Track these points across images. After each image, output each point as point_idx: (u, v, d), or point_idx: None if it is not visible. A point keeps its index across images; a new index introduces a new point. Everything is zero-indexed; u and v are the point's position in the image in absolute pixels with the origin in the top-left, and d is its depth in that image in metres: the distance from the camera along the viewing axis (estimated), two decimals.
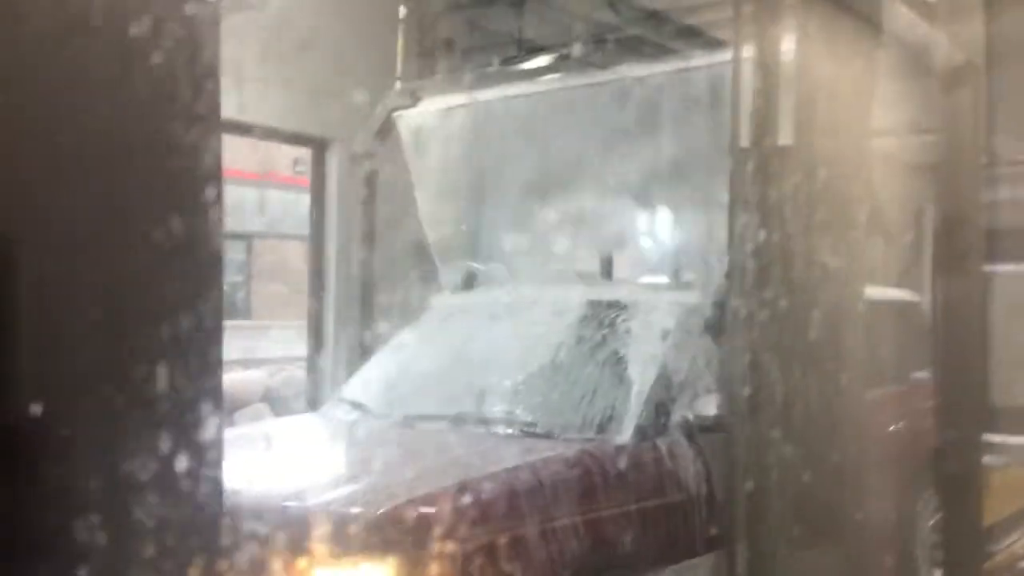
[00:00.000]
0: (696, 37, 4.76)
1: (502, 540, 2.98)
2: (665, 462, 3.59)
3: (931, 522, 4.99)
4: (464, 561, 2.89)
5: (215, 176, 1.53)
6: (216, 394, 1.51)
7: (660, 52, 5.16)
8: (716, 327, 3.72)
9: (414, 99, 5.57)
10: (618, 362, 3.86)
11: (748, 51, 3.02)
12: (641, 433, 3.60)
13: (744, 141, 3.02)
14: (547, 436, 3.61)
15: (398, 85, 5.83)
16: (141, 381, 1.40)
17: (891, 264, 5.79)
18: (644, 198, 4.65)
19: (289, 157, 10.93)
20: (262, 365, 8.07)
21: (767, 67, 2.99)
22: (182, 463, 1.44)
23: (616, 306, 4.08)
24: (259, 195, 14.94)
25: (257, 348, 9.08)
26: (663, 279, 4.47)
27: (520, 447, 3.54)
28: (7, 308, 1.31)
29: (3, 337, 1.30)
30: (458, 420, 3.80)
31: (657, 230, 4.74)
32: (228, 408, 6.69)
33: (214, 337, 1.53)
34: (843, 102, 3.33)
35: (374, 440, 3.92)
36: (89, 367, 1.37)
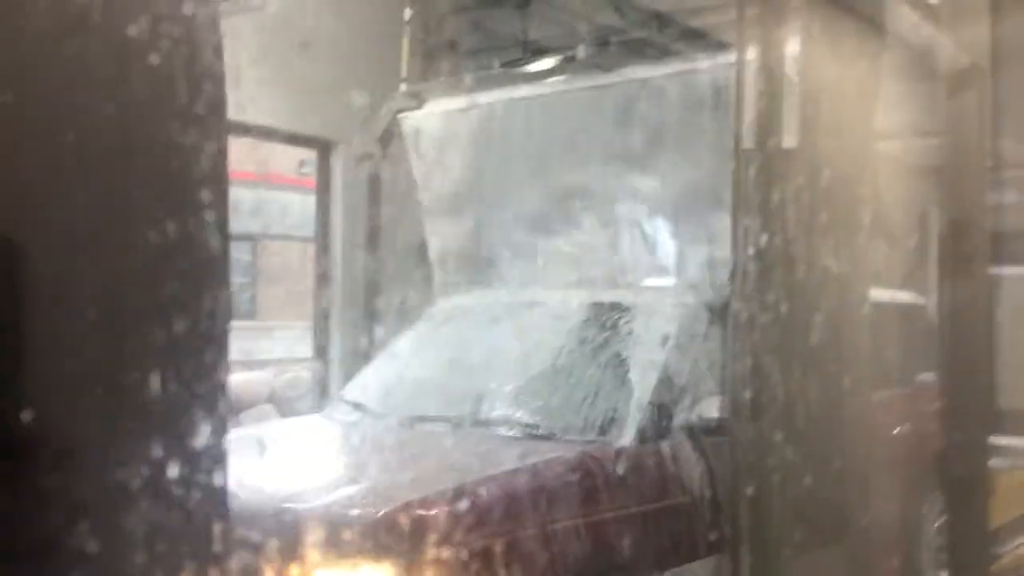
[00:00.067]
0: (700, 39, 4.75)
1: (503, 543, 2.98)
2: (667, 465, 3.59)
3: (936, 524, 4.97)
4: (465, 564, 2.88)
5: (219, 177, 1.53)
6: (221, 396, 1.51)
7: (665, 55, 5.15)
8: (720, 329, 3.72)
9: (419, 101, 5.58)
10: (620, 364, 3.86)
11: (752, 53, 3.02)
12: (643, 435, 3.59)
13: (748, 143, 3.01)
14: (549, 438, 3.61)
15: (403, 87, 5.83)
16: (140, 384, 1.40)
17: (896, 267, 5.77)
18: (649, 200, 4.64)
19: (294, 159, 10.93)
20: (268, 366, 8.07)
21: (771, 69, 2.98)
22: (182, 466, 1.43)
23: (618, 308, 4.08)
24: (265, 196, 14.95)
25: (262, 349, 9.09)
26: (668, 281, 4.46)
27: (522, 449, 3.54)
28: (7, 309, 1.31)
29: (3, 338, 1.30)
30: (459, 422, 3.79)
31: (661, 232, 4.73)
32: (234, 409, 6.70)
33: (219, 339, 1.53)
34: (847, 105, 3.32)
35: (375, 442, 3.92)
36: (88, 369, 1.37)
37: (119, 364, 1.40)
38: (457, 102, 5.41)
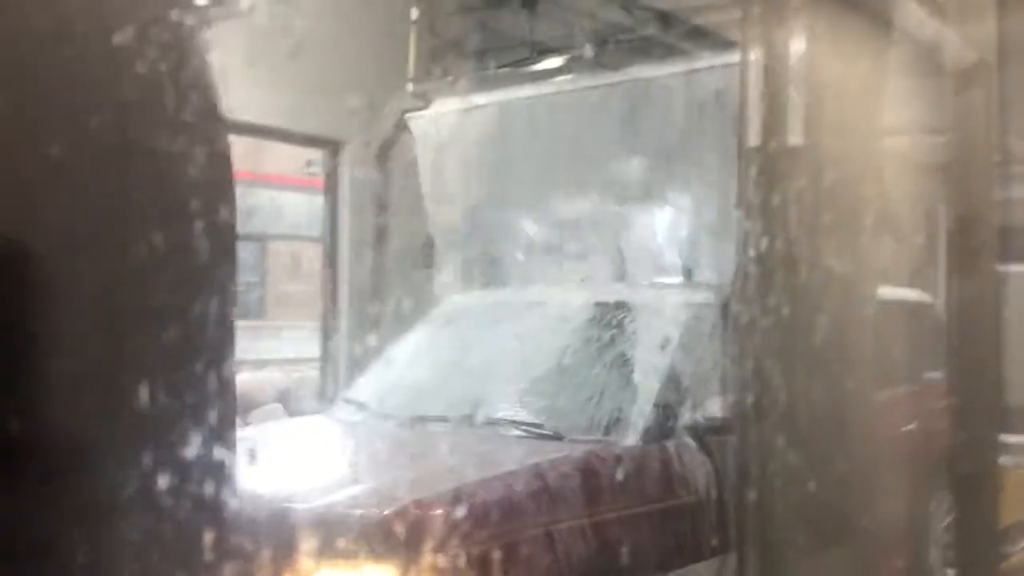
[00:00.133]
0: (705, 38, 4.75)
1: (506, 543, 2.97)
2: (673, 465, 3.58)
3: (944, 523, 4.96)
4: (468, 564, 2.88)
5: (224, 181, 1.53)
6: (224, 404, 1.51)
7: (670, 53, 5.14)
8: (725, 328, 3.71)
9: (425, 101, 5.59)
10: (626, 363, 3.85)
11: (756, 51, 3.01)
12: (649, 435, 3.58)
13: (752, 142, 3.01)
14: (554, 438, 3.61)
15: (410, 87, 5.84)
16: (139, 390, 1.40)
17: (903, 264, 5.76)
18: (655, 199, 4.64)
19: (301, 159, 10.96)
20: (276, 366, 8.10)
21: (775, 67, 2.98)
22: (183, 471, 1.43)
23: (624, 307, 4.08)
24: (272, 196, 14.98)
25: (271, 348, 9.11)
26: (674, 280, 4.46)
27: (527, 449, 3.54)
28: (9, 310, 1.32)
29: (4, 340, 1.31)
30: (463, 422, 3.79)
31: (668, 231, 4.73)
32: (243, 408, 6.72)
33: (224, 344, 1.52)
34: (853, 102, 3.31)
35: (379, 441, 3.92)
36: (87, 374, 1.37)
37: (119, 368, 1.40)
38: (464, 102, 5.42)
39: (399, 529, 2.88)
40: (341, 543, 2.86)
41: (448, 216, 5.39)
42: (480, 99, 5.39)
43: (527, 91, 5.26)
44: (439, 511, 2.96)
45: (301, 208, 13.58)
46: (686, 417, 3.69)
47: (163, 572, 1.42)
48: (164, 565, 1.42)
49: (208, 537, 1.48)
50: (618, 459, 3.46)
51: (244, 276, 15.32)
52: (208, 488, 1.49)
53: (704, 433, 3.66)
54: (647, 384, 3.74)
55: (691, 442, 3.66)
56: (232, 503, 1.55)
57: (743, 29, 3.08)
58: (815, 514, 3.10)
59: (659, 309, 4.07)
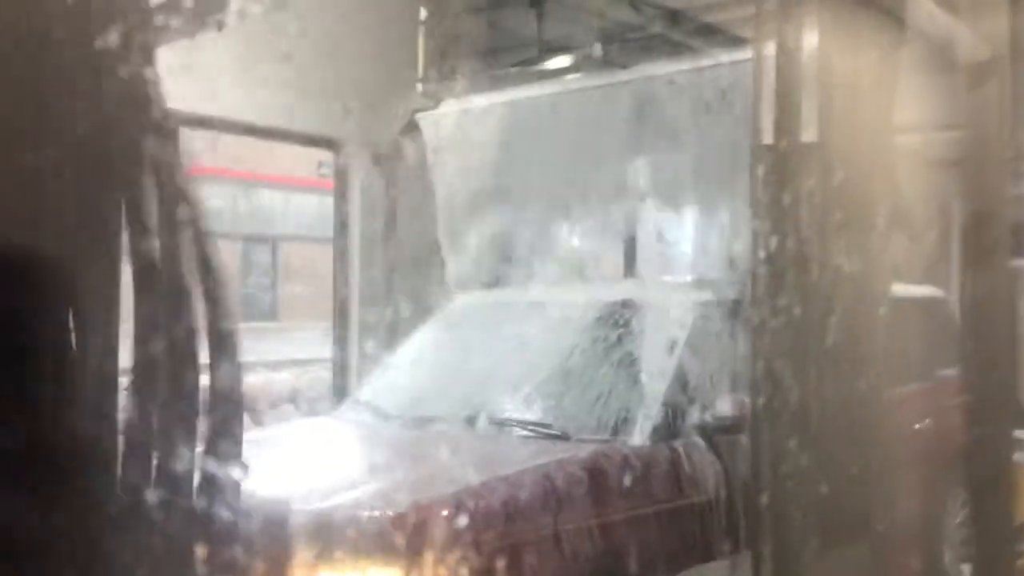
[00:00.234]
0: (717, 35, 4.74)
1: (514, 543, 2.95)
2: (682, 464, 3.55)
3: (959, 520, 4.94)
4: (476, 564, 2.86)
5: (183, 191, 1.51)
6: (194, 416, 1.49)
7: (681, 51, 5.14)
8: (736, 327, 3.70)
9: (435, 101, 5.59)
10: (633, 363, 3.83)
11: (769, 48, 3.00)
12: (657, 435, 3.56)
13: (765, 139, 3.00)
14: (562, 438, 3.59)
15: (419, 87, 5.84)
16: (109, 395, 1.39)
17: (917, 261, 5.73)
18: (666, 198, 4.63)
19: (312, 160, 10.98)
20: (289, 367, 8.11)
21: (787, 64, 2.97)
22: (156, 478, 1.42)
23: (632, 306, 4.06)
24: (284, 198, 15.02)
25: (283, 350, 9.12)
26: (684, 279, 4.45)
27: (535, 449, 3.52)
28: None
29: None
30: (472, 422, 3.77)
31: (678, 229, 4.72)
32: (255, 409, 6.73)
33: (188, 355, 1.50)
34: (865, 99, 3.30)
35: (385, 443, 3.91)
36: (52, 381, 1.36)
37: (102, 376, 1.40)
38: (473, 101, 5.42)
39: (406, 530, 2.85)
40: (348, 544, 2.84)
41: (458, 215, 5.39)
42: (489, 98, 5.39)
43: (536, 90, 5.25)
44: (446, 512, 2.94)
45: (312, 210, 13.61)
46: (694, 416, 3.66)
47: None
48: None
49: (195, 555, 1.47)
50: (626, 459, 3.44)
51: (256, 278, 15.35)
52: (206, 502, 1.48)
53: (713, 432, 3.63)
54: (655, 384, 3.71)
55: (700, 442, 3.63)
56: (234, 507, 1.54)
57: (755, 26, 3.07)
58: (829, 513, 3.08)
59: (667, 308, 4.04)
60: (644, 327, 3.97)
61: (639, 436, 3.55)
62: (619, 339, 3.93)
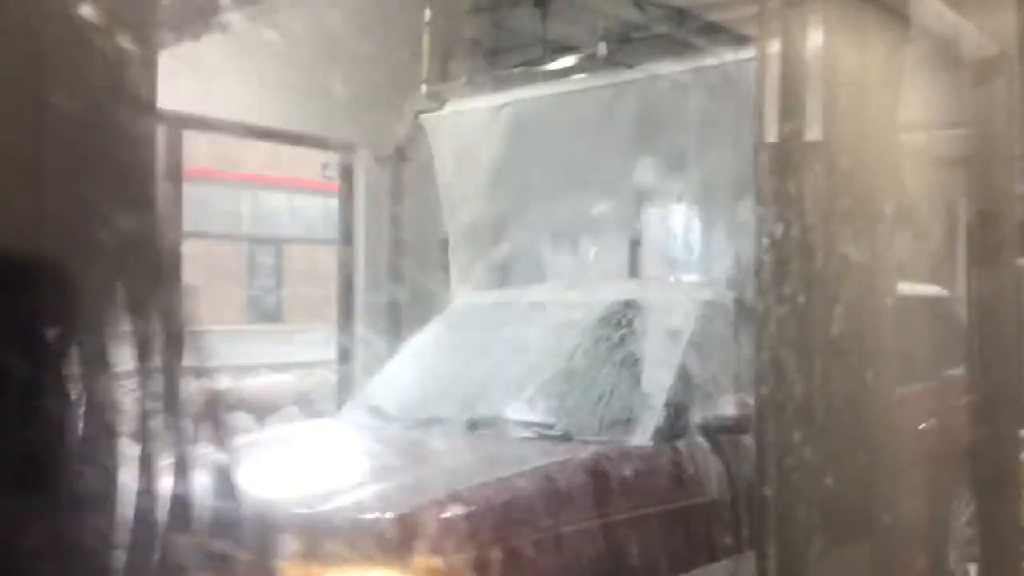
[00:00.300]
0: (720, 34, 4.73)
1: (517, 544, 2.94)
2: (685, 465, 3.54)
3: (965, 519, 4.93)
4: (478, 566, 2.84)
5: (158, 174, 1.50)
6: (179, 397, 1.48)
7: (685, 49, 5.13)
8: (739, 326, 3.68)
9: (440, 101, 5.59)
10: (636, 362, 3.81)
11: (773, 46, 2.99)
12: (660, 435, 3.54)
13: (769, 138, 2.99)
14: (565, 439, 3.57)
15: (424, 88, 5.84)
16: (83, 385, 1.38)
17: (923, 259, 5.72)
18: (670, 196, 4.62)
19: (317, 162, 11.00)
20: (293, 369, 8.11)
21: (792, 62, 2.96)
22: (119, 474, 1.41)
23: (635, 306, 4.04)
24: (288, 200, 15.03)
25: (288, 352, 9.13)
26: (689, 277, 4.44)
27: (537, 450, 3.50)
28: None
29: None
30: (474, 423, 3.76)
31: (682, 228, 4.71)
32: (260, 412, 6.73)
33: (174, 339, 1.49)
34: (870, 96, 3.29)
35: (389, 444, 3.90)
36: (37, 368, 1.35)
37: (67, 364, 1.38)
38: (478, 102, 5.42)
39: (408, 532, 2.83)
40: (349, 546, 2.83)
41: (463, 216, 5.39)
42: (494, 99, 5.39)
43: (541, 90, 5.25)
44: (447, 514, 2.92)
45: (316, 212, 13.62)
46: (697, 416, 3.64)
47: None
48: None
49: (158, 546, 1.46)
50: (628, 460, 3.42)
51: (260, 280, 15.37)
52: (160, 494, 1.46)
53: (716, 432, 3.61)
54: (657, 384, 3.69)
55: (703, 442, 3.62)
56: (194, 509, 1.52)
57: (760, 23, 3.06)
58: (834, 512, 3.07)
59: (670, 307, 4.03)
60: (647, 327, 3.95)
61: (642, 437, 3.53)
62: (622, 339, 3.92)
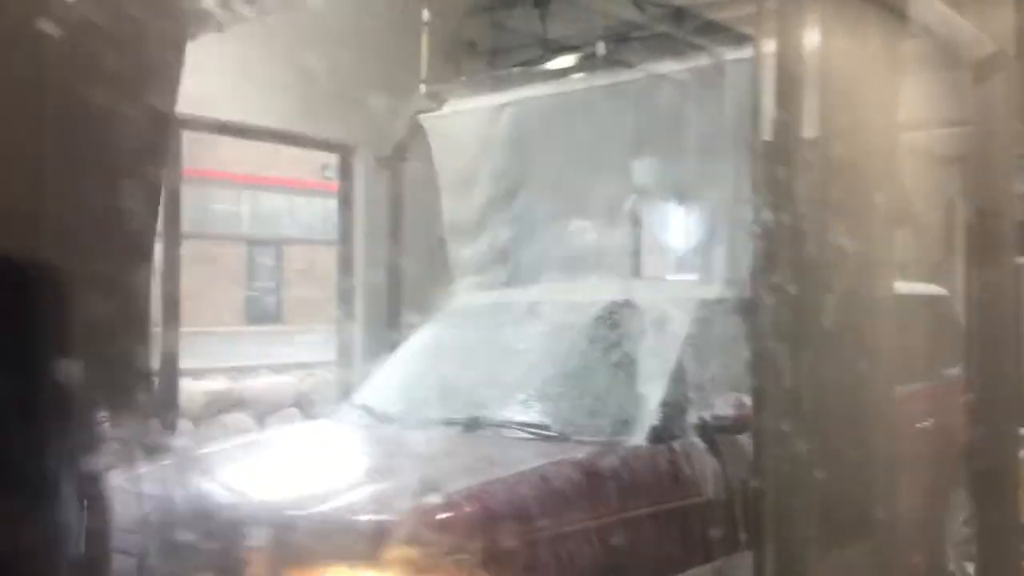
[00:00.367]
0: (719, 33, 4.74)
1: (515, 545, 2.92)
2: (681, 464, 3.53)
3: (963, 518, 4.93)
4: (476, 567, 2.83)
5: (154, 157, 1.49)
6: (144, 382, 1.47)
7: (684, 49, 5.13)
8: (736, 326, 3.67)
9: (439, 101, 5.59)
10: (633, 363, 3.80)
11: (771, 45, 3.00)
12: (656, 435, 3.54)
13: (768, 136, 2.99)
14: (561, 439, 3.56)
15: (423, 88, 5.84)
16: (54, 366, 1.37)
17: (922, 258, 5.72)
18: (669, 195, 4.63)
19: (317, 163, 11.01)
20: (293, 369, 8.11)
21: (790, 61, 2.96)
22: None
23: (632, 306, 4.03)
24: (288, 200, 15.04)
25: (288, 353, 9.12)
26: (687, 277, 4.44)
27: (534, 450, 3.49)
28: None
29: None
30: (471, 424, 3.75)
31: (679, 228, 4.72)
32: (260, 413, 6.74)
33: (140, 321, 1.48)
34: (869, 95, 3.29)
35: (384, 445, 3.89)
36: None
37: (33, 345, 1.38)
38: (477, 101, 5.42)
39: (404, 533, 2.82)
40: (346, 548, 2.82)
41: (462, 216, 5.39)
42: (494, 99, 5.39)
43: (540, 90, 5.25)
44: (444, 515, 2.91)
45: (316, 212, 13.63)
46: (694, 416, 3.63)
47: None
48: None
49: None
50: (625, 460, 3.41)
51: (260, 281, 15.38)
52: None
53: (712, 432, 3.60)
54: (654, 384, 3.68)
55: (699, 442, 3.61)
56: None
57: (758, 23, 3.07)
58: (834, 509, 3.07)
59: (666, 308, 4.01)
60: (643, 327, 3.94)
61: (638, 437, 3.53)
62: (618, 339, 3.91)
